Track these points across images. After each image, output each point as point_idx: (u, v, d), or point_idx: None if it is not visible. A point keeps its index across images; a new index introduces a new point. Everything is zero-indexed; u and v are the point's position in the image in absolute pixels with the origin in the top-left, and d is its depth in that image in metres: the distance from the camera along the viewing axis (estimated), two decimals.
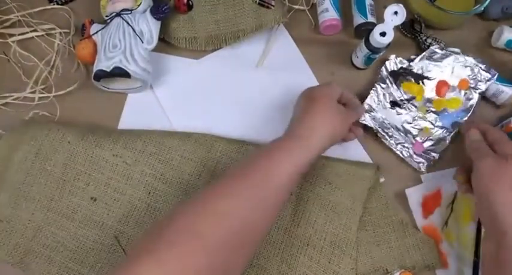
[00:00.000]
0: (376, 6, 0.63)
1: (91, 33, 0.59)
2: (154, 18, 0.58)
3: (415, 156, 0.58)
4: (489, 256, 0.48)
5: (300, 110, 0.52)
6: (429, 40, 0.63)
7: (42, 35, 0.62)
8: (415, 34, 0.64)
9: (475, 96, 0.60)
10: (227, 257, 0.41)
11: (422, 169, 0.58)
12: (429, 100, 0.60)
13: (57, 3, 0.64)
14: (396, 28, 0.55)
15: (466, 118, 0.59)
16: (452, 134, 0.59)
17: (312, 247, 0.53)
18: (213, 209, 0.42)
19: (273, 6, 0.59)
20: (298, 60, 0.63)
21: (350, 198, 0.55)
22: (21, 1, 0.63)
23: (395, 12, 0.54)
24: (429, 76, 0.61)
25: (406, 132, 0.59)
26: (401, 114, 0.60)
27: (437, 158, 0.58)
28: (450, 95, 0.60)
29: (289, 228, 0.54)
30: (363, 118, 0.59)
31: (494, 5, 0.63)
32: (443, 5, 0.60)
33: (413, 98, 0.60)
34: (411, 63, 0.61)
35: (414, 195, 0.57)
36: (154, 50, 0.59)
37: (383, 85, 0.61)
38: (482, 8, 0.61)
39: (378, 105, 0.60)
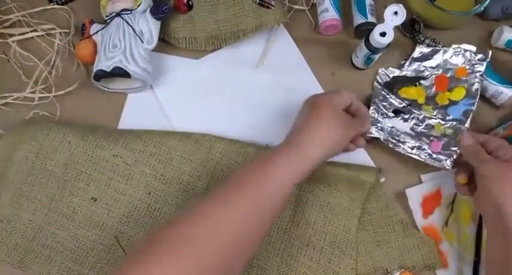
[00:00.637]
0: (376, 6, 0.63)
1: (91, 33, 0.59)
2: (154, 18, 0.58)
3: (434, 155, 0.56)
4: (494, 256, 0.48)
5: (302, 117, 0.51)
6: (427, 41, 0.63)
7: (42, 35, 0.62)
8: (415, 34, 0.64)
9: (477, 80, 0.59)
10: (221, 266, 0.41)
11: (447, 166, 0.55)
12: (432, 98, 0.60)
13: (57, 3, 0.64)
14: (396, 28, 0.55)
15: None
16: (467, 123, 0.57)
17: (312, 247, 0.53)
18: (207, 219, 0.42)
19: (273, 6, 0.59)
20: (298, 60, 0.63)
21: (348, 199, 0.55)
22: (21, 1, 0.63)
23: (395, 12, 0.54)
24: (424, 75, 0.61)
25: (418, 135, 0.58)
26: (407, 119, 0.59)
27: (458, 151, 0.55)
28: (452, 86, 0.60)
29: (289, 228, 0.54)
30: (369, 132, 0.57)
31: (494, 5, 0.63)
32: (443, 5, 0.60)
33: (414, 101, 0.60)
34: (402, 69, 0.61)
35: (414, 195, 0.57)
36: (154, 50, 0.59)
37: (380, 98, 0.60)
38: (482, 8, 0.61)
39: (381, 116, 0.59)
